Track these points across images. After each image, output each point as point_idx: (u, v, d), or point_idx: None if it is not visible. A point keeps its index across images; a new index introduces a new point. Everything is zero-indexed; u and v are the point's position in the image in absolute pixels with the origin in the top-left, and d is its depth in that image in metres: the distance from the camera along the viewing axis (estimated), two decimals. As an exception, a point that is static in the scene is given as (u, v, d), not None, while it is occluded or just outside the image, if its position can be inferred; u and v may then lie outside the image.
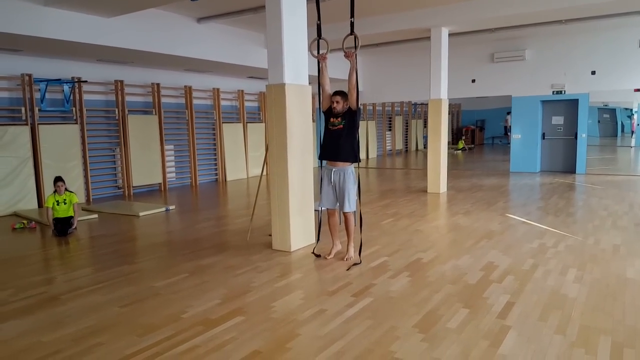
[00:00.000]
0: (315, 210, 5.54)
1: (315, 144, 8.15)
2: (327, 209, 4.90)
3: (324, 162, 4.85)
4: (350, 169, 4.73)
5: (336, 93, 4.70)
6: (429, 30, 9.09)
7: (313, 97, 5.16)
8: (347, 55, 4.57)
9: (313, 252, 5.00)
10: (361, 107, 17.11)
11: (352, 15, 4.63)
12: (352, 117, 4.67)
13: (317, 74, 4.81)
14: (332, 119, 4.73)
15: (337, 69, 8.49)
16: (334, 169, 4.73)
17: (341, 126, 4.67)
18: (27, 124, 8.21)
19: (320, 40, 4.84)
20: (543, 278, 4.13)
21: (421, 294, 3.82)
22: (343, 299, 3.74)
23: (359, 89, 4.68)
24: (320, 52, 4.79)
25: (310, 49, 4.96)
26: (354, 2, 4.63)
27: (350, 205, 4.73)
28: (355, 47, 4.58)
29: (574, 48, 11.24)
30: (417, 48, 11.70)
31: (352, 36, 4.66)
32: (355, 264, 4.63)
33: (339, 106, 4.67)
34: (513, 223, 6.38)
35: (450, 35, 9.34)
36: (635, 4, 7.97)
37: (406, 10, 8.85)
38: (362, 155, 17.64)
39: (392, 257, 4.88)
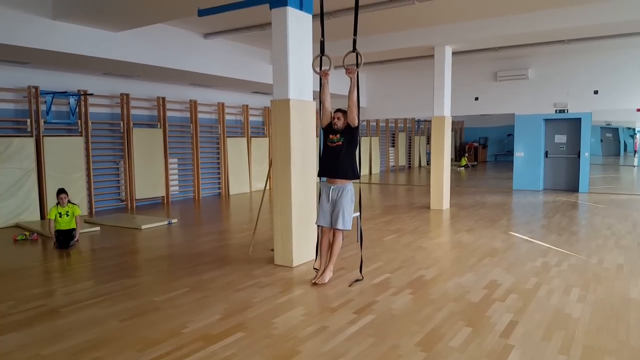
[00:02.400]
0: (317, 225, 5.52)
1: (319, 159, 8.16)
2: (322, 227, 4.77)
3: (324, 178, 4.84)
4: (349, 186, 4.67)
5: (338, 110, 4.72)
6: (432, 49, 9.17)
7: (317, 113, 5.21)
8: (348, 72, 4.56)
9: (315, 268, 4.98)
10: (363, 123, 17.23)
11: (355, 33, 4.66)
12: (351, 134, 4.65)
13: (321, 90, 4.83)
14: (331, 136, 4.71)
15: (341, 85, 8.55)
16: (332, 186, 4.67)
17: (340, 143, 4.65)
18: (32, 136, 8.27)
19: (323, 57, 4.87)
20: (546, 297, 4.10)
21: (424, 311, 3.79)
22: (345, 316, 3.71)
23: (360, 106, 4.67)
24: (323, 68, 4.83)
25: (312, 66, 5.01)
26: (357, 20, 4.68)
27: (344, 223, 4.59)
28: (357, 65, 4.58)
29: (577, 67, 11.30)
30: (421, 65, 11.78)
31: (354, 53, 4.66)
32: (357, 280, 4.60)
33: (340, 122, 4.66)
34: (516, 241, 6.35)
35: (453, 53, 9.42)
36: (637, 26, 8.04)
37: (410, 29, 8.94)
38: (365, 171, 17.67)
39: (394, 274, 4.86)
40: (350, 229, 4.68)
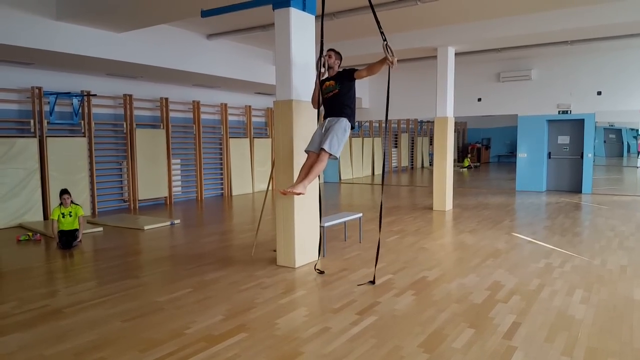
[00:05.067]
0: (320, 226, 5.53)
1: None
2: (309, 151, 4.72)
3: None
4: (345, 119, 4.71)
5: (331, 49, 4.90)
6: (435, 49, 9.17)
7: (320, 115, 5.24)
8: (390, 62, 4.37)
9: (316, 269, 4.98)
10: (366, 124, 17.22)
11: (379, 27, 4.53)
12: (349, 83, 4.76)
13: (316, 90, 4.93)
14: (326, 83, 4.82)
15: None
16: (329, 118, 4.76)
17: (337, 90, 4.75)
18: (35, 136, 8.29)
19: (322, 57, 4.91)
20: (549, 298, 4.09)
21: (426, 313, 3.78)
22: (347, 316, 3.71)
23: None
24: (322, 69, 4.88)
25: (318, 66, 5.00)
26: (376, 14, 4.61)
27: (331, 146, 4.50)
28: (388, 54, 4.35)
29: (580, 68, 11.28)
30: (424, 66, 11.79)
31: (386, 46, 4.41)
32: (369, 282, 4.59)
33: (331, 60, 4.84)
34: (519, 242, 6.34)
35: (456, 54, 9.41)
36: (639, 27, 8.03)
37: (413, 30, 8.94)
38: (368, 171, 17.69)
39: (397, 274, 4.85)
40: (337, 155, 4.59)
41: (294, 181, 4.82)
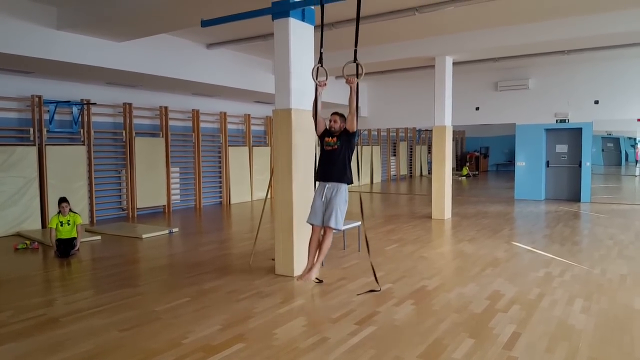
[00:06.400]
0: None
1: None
2: (313, 224, 4.77)
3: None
4: (344, 186, 4.72)
5: (334, 113, 4.86)
6: (433, 59, 9.21)
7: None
8: (348, 82, 4.57)
9: (316, 278, 4.96)
10: (365, 132, 17.27)
11: (356, 44, 4.65)
12: (348, 139, 4.73)
13: (316, 100, 4.88)
14: (327, 139, 4.80)
15: (342, 94, 8.57)
16: (327, 185, 4.74)
17: (336, 147, 4.73)
18: (34, 145, 8.28)
19: (321, 68, 4.90)
20: (549, 308, 4.07)
21: (426, 322, 3.76)
22: (346, 326, 3.69)
23: (361, 115, 4.76)
24: (320, 79, 4.85)
25: (312, 75, 5.01)
26: (358, 31, 4.68)
27: (337, 223, 4.60)
28: (358, 75, 4.58)
29: (577, 77, 11.33)
30: (422, 75, 11.83)
31: (354, 63, 4.64)
32: (373, 291, 4.56)
33: (336, 125, 4.78)
34: (518, 251, 6.33)
35: (454, 63, 9.45)
36: (636, 37, 8.07)
37: (411, 40, 8.99)
38: (367, 180, 17.68)
39: (396, 284, 4.83)
40: (342, 229, 4.69)
41: (308, 263, 4.81)
